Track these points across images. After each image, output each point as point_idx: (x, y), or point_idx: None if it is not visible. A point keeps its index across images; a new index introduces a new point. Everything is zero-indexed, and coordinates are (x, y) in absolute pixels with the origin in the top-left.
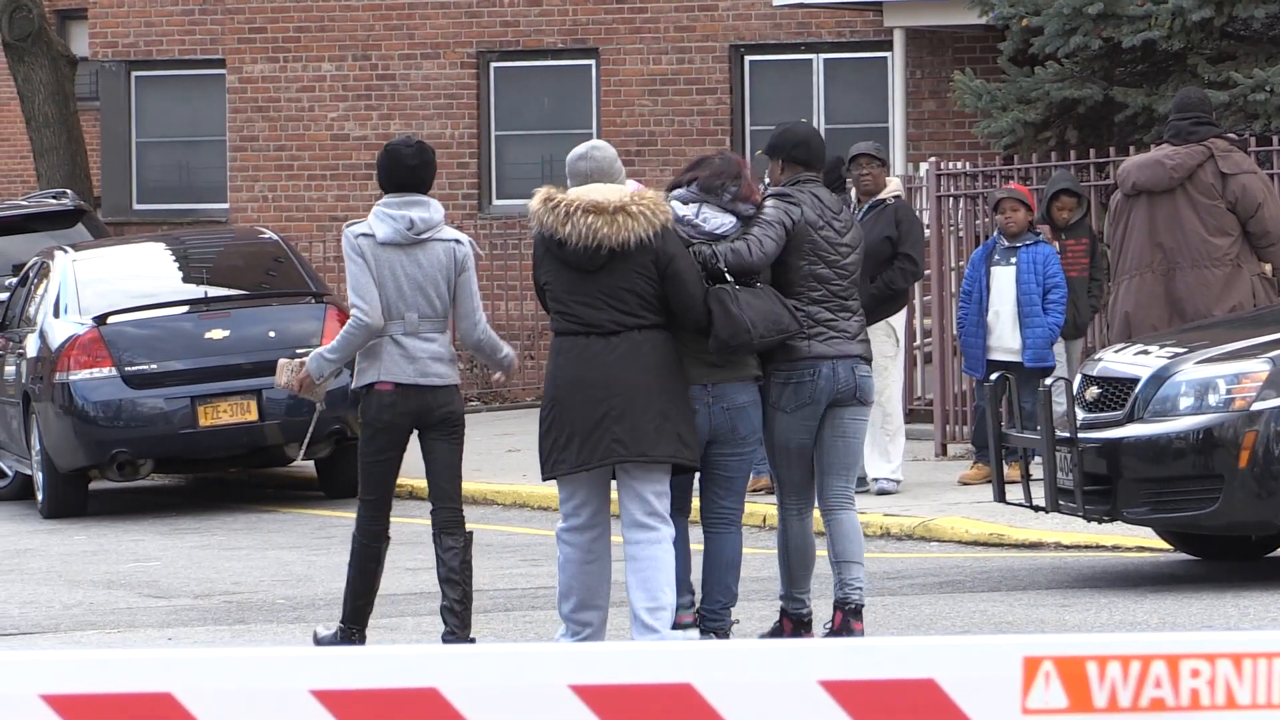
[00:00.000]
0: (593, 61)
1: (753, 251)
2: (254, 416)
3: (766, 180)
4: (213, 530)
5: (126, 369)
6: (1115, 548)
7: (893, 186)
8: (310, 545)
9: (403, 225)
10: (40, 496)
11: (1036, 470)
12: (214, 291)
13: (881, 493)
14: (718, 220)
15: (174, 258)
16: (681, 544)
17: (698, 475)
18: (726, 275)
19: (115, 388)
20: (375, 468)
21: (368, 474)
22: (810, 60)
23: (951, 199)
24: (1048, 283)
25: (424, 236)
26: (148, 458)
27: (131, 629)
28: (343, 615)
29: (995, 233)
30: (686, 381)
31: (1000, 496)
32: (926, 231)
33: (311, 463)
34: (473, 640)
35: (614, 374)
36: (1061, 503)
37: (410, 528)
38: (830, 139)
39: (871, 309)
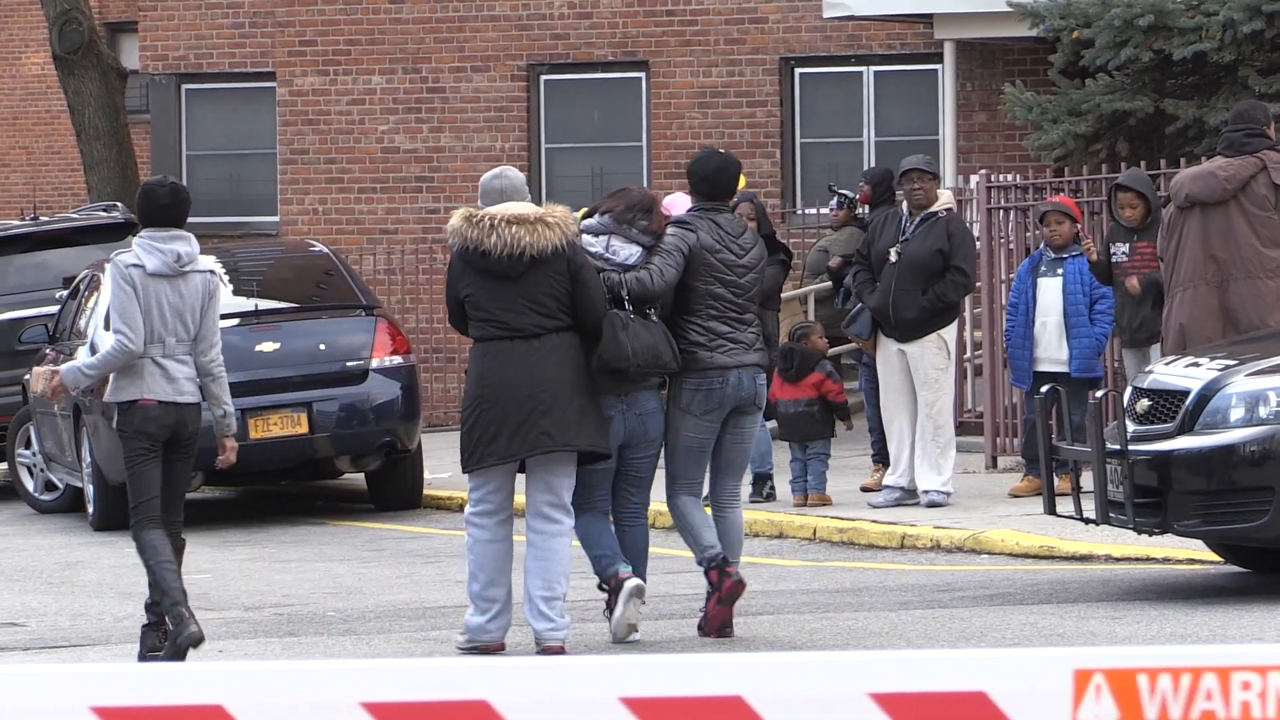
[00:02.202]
0: (643, 74)
1: (655, 281)
2: (304, 429)
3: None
4: (263, 543)
5: None
6: (1166, 560)
7: (944, 199)
8: (360, 558)
9: (170, 258)
10: (91, 509)
11: (1087, 482)
12: (264, 304)
13: (932, 505)
14: (626, 251)
15: (224, 270)
16: (604, 526)
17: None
18: (626, 303)
19: None
20: (142, 474)
21: (137, 481)
22: (860, 73)
23: (1002, 211)
24: (1094, 293)
25: (187, 269)
26: (198, 470)
27: None
28: (166, 601)
29: (1042, 245)
30: (602, 392)
31: (1051, 509)
32: (977, 244)
33: (362, 476)
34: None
35: (539, 373)
36: (1112, 515)
37: (458, 540)
38: (880, 151)
39: (923, 321)
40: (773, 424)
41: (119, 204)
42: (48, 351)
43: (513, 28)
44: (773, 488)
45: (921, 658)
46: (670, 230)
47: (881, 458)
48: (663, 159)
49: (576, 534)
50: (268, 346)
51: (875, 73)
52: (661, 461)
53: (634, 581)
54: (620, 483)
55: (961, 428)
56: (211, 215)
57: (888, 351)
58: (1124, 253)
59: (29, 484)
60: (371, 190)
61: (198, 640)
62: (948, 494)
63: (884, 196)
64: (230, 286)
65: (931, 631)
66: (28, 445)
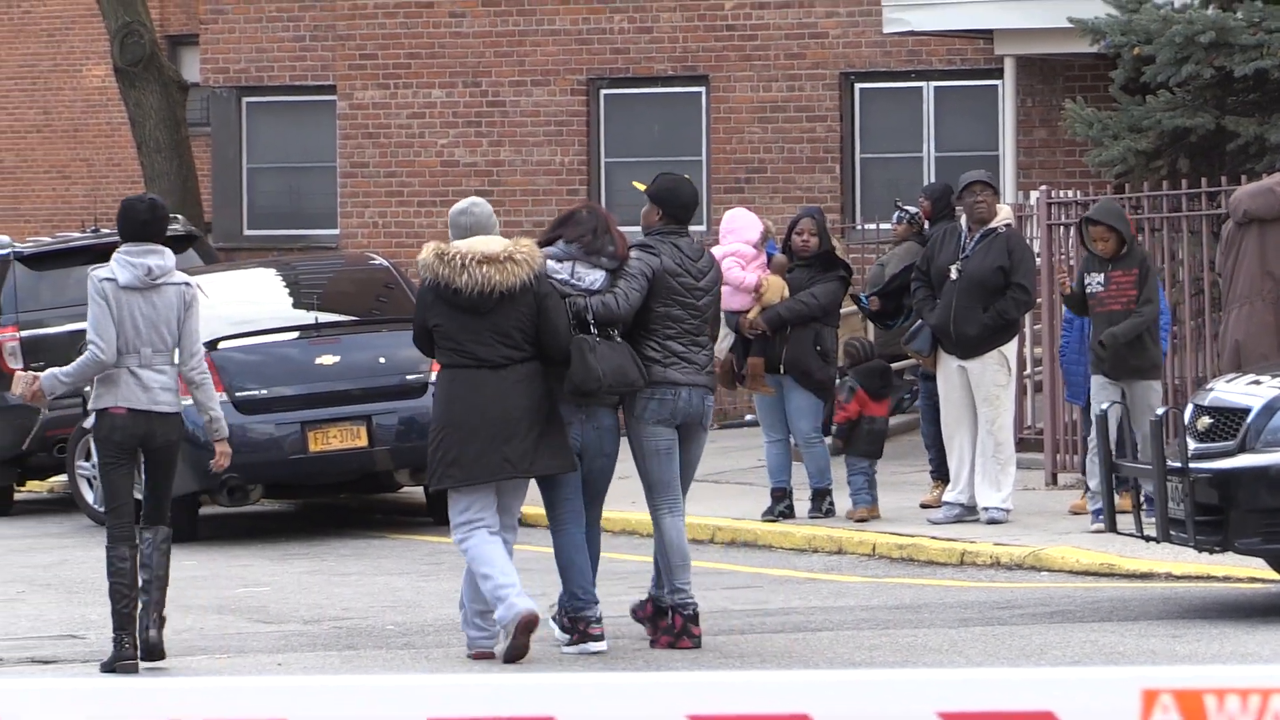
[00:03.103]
0: (703, 89)
1: (620, 304)
2: (364, 442)
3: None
4: (322, 556)
5: (237, 394)
6: (1227, 578)
7: (1004, 215)
8: (419, 571)
9: (141, 272)
10: None
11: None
12: (324, 317)
13: (992, 522)
14: (591, 276)
15: (284, 283)
16: (581, 552)
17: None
18: (591, 327)
19: (226, 413)
20: (114, 481)
21: (108, 487)
22: (920, 88)
23: (1062, 227)
24: None
25: (159, 281)
26: (257, 483)
27: (241, 654)
28: (113, 624)
29: None
30: (563, 401)
31: (1111, 526)
32: (1037, 260)
33: (421, 489)
34: (164, 619)
35: (504, 401)
36: (1173, 533)
37: (517, 555)
38: (940, 167)
39: (984, 338)
40: (830, 440)
41: (180, 216)
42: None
43: (573, 42)
44: (831, 503)
45: (989, 677)
46: (634, 254)
47: (941, 474)
48: (722, 174)
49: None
50: (327, 360)
51: (935, 88)
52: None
53: (600, 646)
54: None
55: (1021, 444)
56: (271, 228)
57: (948, 368)
58: (1099, 283)
59: (88, 496)
60: (431, 204)
61: (130, 669)
62: (1008, 511)
63: (944, 212)
64: (290, 299)
65: (992, 649)
66: (87, 457)
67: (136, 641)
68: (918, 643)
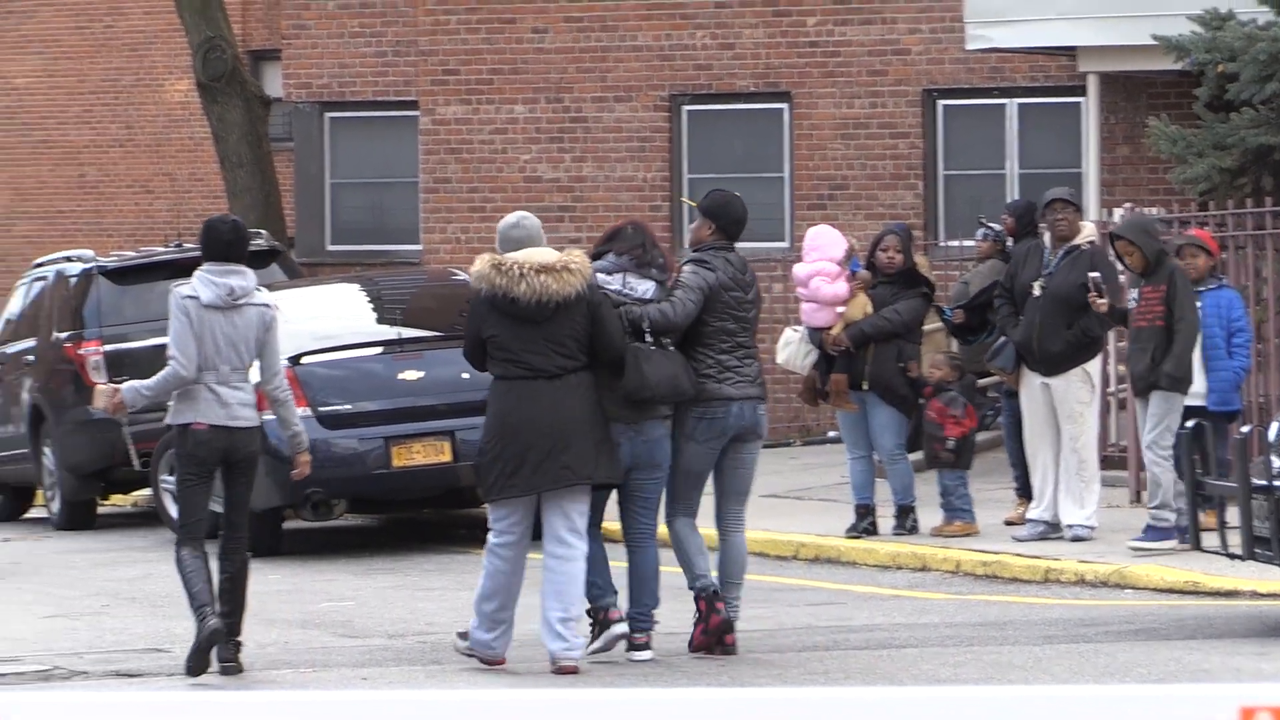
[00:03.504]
0: (785, 105)
1: (677, 312)
2: (448, 457)
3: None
4: (406, 571)
5: (321, 409)
6: None
7: (1087, 232)
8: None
9: (223, 291)
10: None
11: (1233, 518)
12: (407, 332)
13: (1076, 539)
14: (643, 286)
15: (367, 299)
16: (600, 550)
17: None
18: (646, 335)
19: (309, 428)
20: (190, 495)
21: (183, 501)
22: (1004, 105)
23: None
24: (1232, 326)
25: (240, 301)
26: (341, 498)
27: (326, 669)
28: (192, 607)
29: None
30: (612, 420)
31: (1196, 544)
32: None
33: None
34: (239, 643)
35: (561, 411)
36: (1257, 551)
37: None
38: (1024, 184)
39: (1068, 355)
40: (918, 455)
41: (263, 231)
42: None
43: (655, 58)
44: (915, 520)
45: (1086, 694)
46: (689, 268)
47: (1025, 491)
48: (805, 190)
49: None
50: (411, 375)
51: (1019, 105)
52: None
53: (621, 628)
54: (629, 505)
55: (1105, 461)
56: (354, 244)
57: (1031, 385)
58: (1133, 299)
59: (173, 510)
60: None
61: (216, 634)
62: (1092, 528)
63: (1027, 229)
64: (373, 314)
65: (1076, 666)
66: (171, 471)
67: (238, 630)
68: (1002, 660)
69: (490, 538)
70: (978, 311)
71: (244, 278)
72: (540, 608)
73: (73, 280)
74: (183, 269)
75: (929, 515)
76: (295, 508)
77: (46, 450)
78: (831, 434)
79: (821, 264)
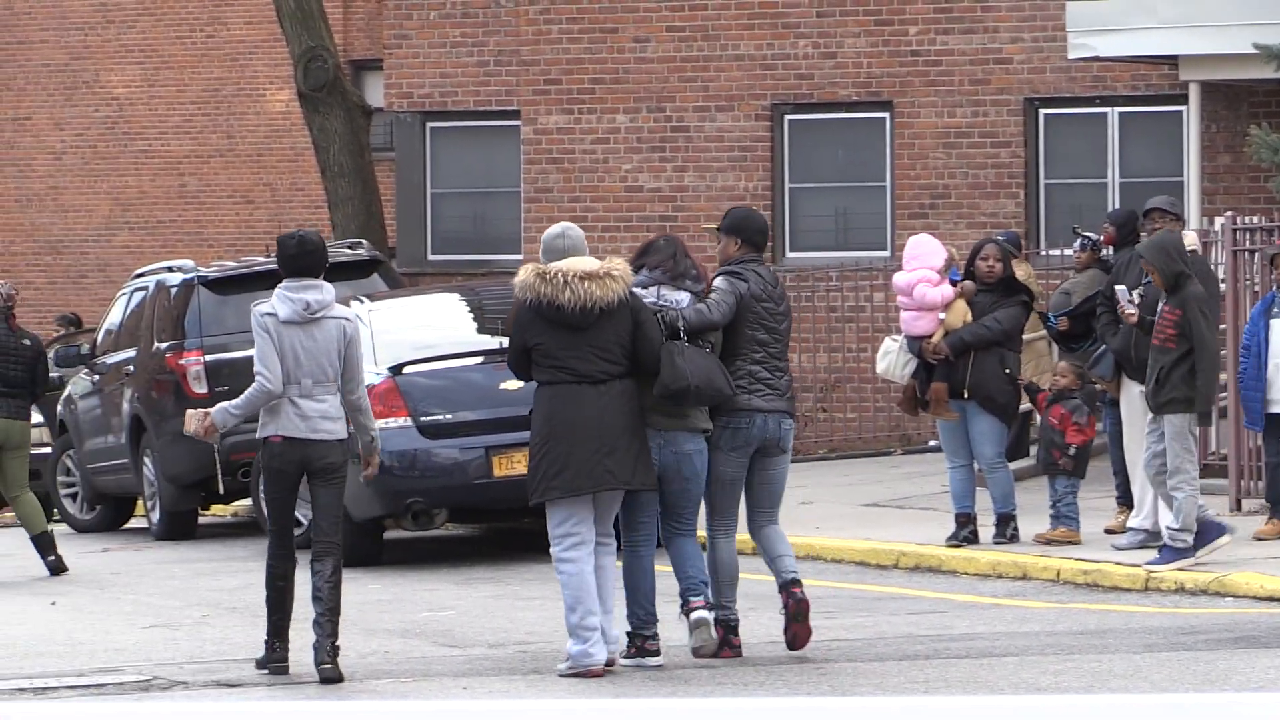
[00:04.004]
0: (887, 114)
1: (712, 311)
2: None
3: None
4: (506, 580)
5: (421, 419)
6: None
7: (1188, 241)
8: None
9: (300, 306)
10: None
11: None
12: (508, 342)
13: None
14: (675, 297)
15: (468, 308)
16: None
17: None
18: (681, 334)
19: (410, 438)
20: (274, 504)
21: (270, 509)
22: (1105, 114)
23: (1247, 254)
24: None
25: (318, 315)
26: (442, 507)
27: (426, 678)
28: (266, 630)
29: (1274, 287)
30: (649, 426)
31: None
32: (1222, 286)
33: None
34: (338, 648)
35: (605, 416)
36: None
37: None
38: (1125, 193)
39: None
40: (1021, 464)
41: (364, 241)
42: None
43: (757, 67)
44: (1015, 529)
45: (1194, 702)
46: (720, 278)
47: (1125, 500)
48: (906, 199)
49: (670, 554)
50: (512, 385)
51: (1120, 114)
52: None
53: (704, 614)
54: (660, 511)
55: (1205, 470)
56: (455, 253)
57: (1131, 393)
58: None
59: None
60: (615, 229)
61: (280, 672)
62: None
63: (1128, 238)
64: (474, 324)
65: (1176, 675)
66: None
67: (287, 649)
68: (1102, 668)
69: (553, 549)
70: (1082, 320)
71: (320, 292)
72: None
73: (173, 290)
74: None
75: (1030, 523)
76: (396, 517)
77: (147, 460)
78: (932, 443)
79: (922, 272)
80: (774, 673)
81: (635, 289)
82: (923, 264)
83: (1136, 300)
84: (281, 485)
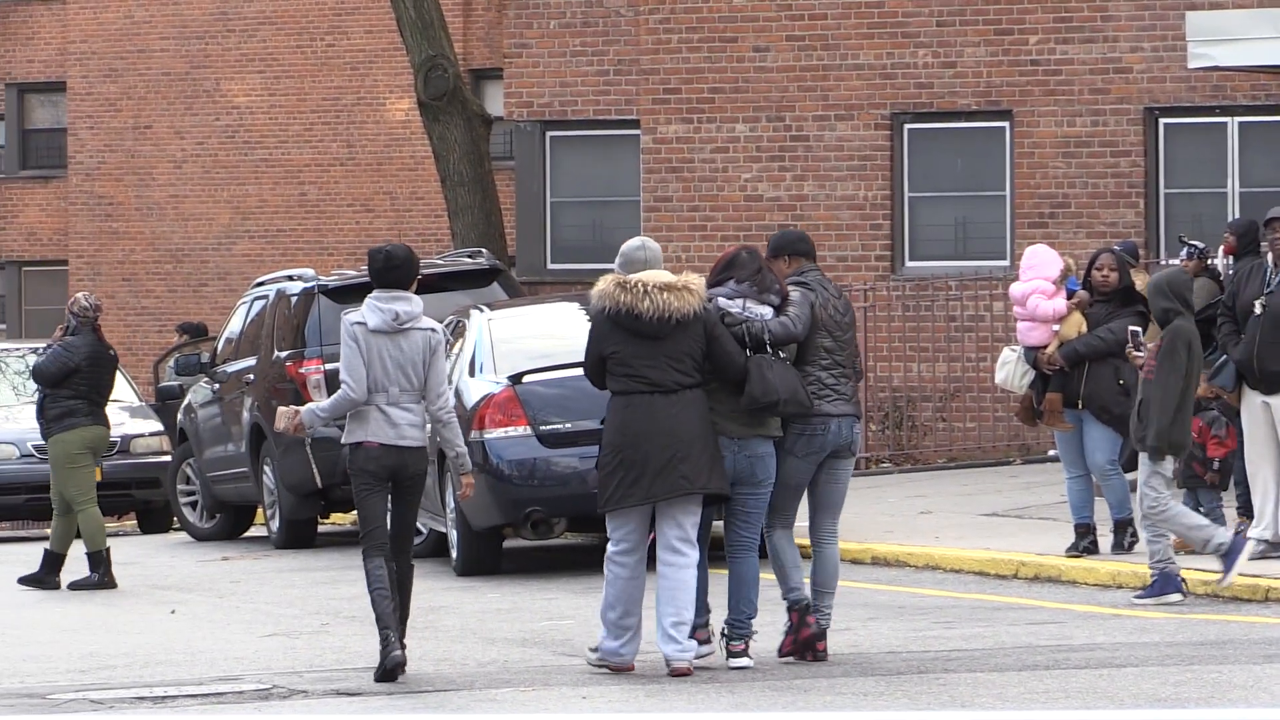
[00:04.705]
0: (1006, 124)
1: (796, 324)
2: None
3: None
4: None
5: (541, 428)
6: None
7: None
8: (721, 605)
9: (389, 317)
10: (454, 554)
11: None
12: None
13: None
14: (759, 310)
15: (588, 318)
16: (701, 570)
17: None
18: (768, 347)
19: (530, 447)
20: (366, 506)
21: (362, 511)
22: (1225, 123)
23: None
24: None
25: (406, 326)
26: (561, 516)
27: (546, 687)
28: (378, 626)
29: None
30: (719, 434)
31: None
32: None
33: (721, 523)
34: (403, 646)
35: (677, 424)
36: None
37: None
38: (1245, 202)
39: None
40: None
41: (484, 250)
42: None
43: (877, 76)
44: (1134, 535)
45: None
46: (793, 290)
47: (1246, 510)
48: (1026, 208)
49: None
50: None
51: (1240, 123)
52: None
53: (707, 649)
54: (730, 518)
55: None
56: (574, 262)
57: (1252, 404)
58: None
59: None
60: (734, 238)
61: (398, 664)
62: None
63: (1249, 247)
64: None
65: None
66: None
67: (400, 639)
68: (1223, 680)
69: (609, 548)
70: (1201, 327)
71: (409, 303)
72: (655, 614)
73: (294, 299)
74: None
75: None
76: (515, 526)
77: (266, 469)
78: (1051, 452)
79: (1037, 283)
80: (893, 683)
81: (721, 300)
82: (1038, 274)
83: (1259, 311)
84: (371, 489)
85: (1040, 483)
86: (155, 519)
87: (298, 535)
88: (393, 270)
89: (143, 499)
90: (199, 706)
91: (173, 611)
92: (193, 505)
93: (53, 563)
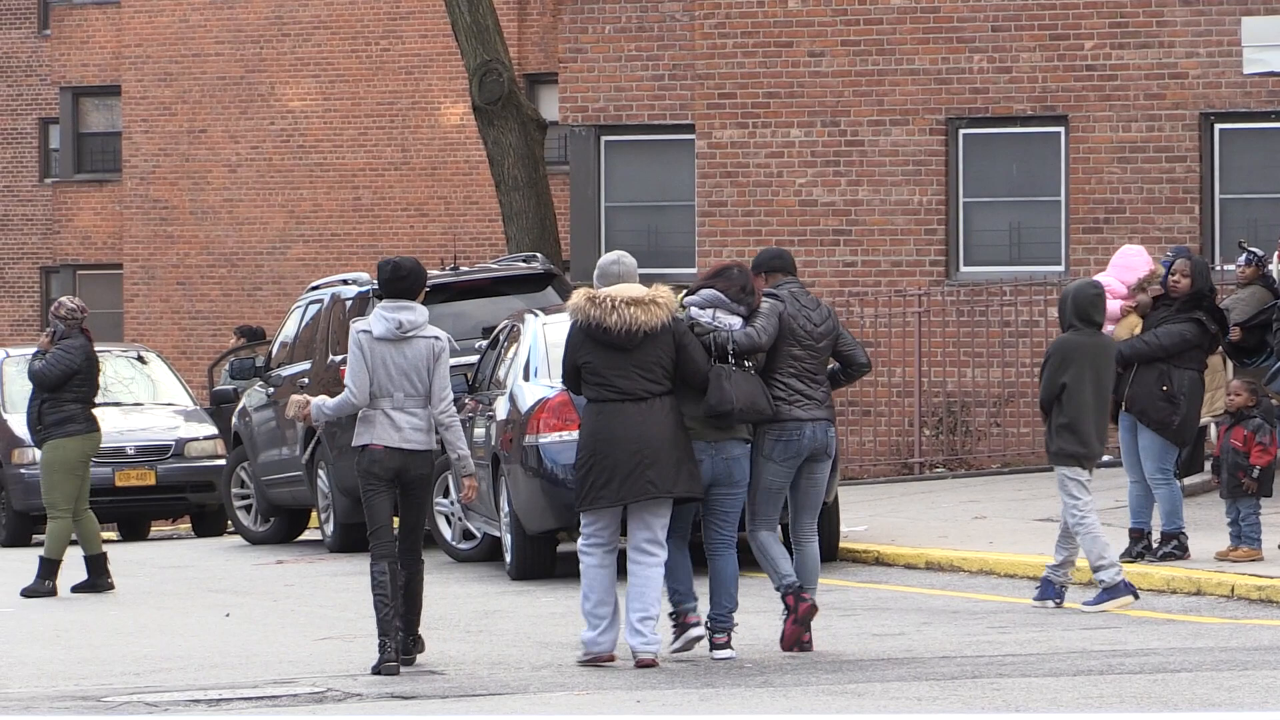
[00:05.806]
0: (1061, 129)
1: (761, 335)
2: None
3: None
4: None
5: None
6: None
7: None
8: (775, 610)
9: (393, 325)
10: (509, 558)
11: None
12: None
13: None
14: (729, 320)
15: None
16: (683, 560)
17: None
18: (730, 358)
19: None
20: (373, 508)
21: (369, 511)
22: None
23: None
24: None
25: (410, 334)
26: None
27: (600, 691)
28: (378, 631)
29: None
30: (694, 438)
31: None
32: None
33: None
34: (417, 638)
35: (645, 430)
36: None
37: (875, 593)
38: None
39: None
40: (1198, 479)
41: (539, 255)
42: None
43: (932, 82)
44: (1177, 547)
45: None
46: (764, 301)
47: None
48: (1081, 214)
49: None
50: None
51: None
52: None
53: (698, 631)
54: (709, 517)
55: None
56: None
57: None
58: None
59: (446, 533)
60: (789, 242)
61: (390, 673)
62: None
63: None
64: None
65: None
66: (445, 494)
67: (396, 647)
68: (1277, 684)
69: (579, 541)
70: (1255, 332)
71: (413, 312)
72: (624, 609)
73: (348, 303)
74: (457, 292)
75: (1206, 538)
76: (569, 530)
77: (321, 473)
78: (1106, 458)
79: (1110, 281)
80: (947, 687)
81: (693, 309)
82: (1118, 274)
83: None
84: (377, 490)
85: (1097, 487)
86: (210, 522)
87: (352, 539)
88: (399, 281)
89: (197, 502)
90: (253, 709)
91: (227, 615)
92: (247, 509)
93: (94, 567)
